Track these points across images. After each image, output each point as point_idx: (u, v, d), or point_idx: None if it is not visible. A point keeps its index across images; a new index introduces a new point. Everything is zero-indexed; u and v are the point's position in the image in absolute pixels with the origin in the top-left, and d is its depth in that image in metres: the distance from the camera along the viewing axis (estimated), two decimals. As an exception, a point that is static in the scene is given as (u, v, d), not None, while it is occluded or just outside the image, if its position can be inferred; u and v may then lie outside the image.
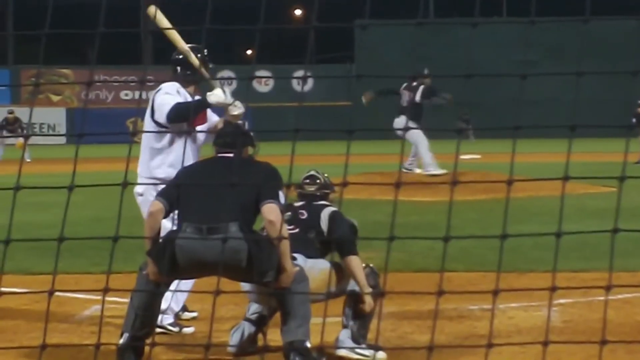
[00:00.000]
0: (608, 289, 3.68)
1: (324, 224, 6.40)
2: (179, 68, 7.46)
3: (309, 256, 6.23)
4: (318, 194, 6.63)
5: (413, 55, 48.49)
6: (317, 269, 6.19)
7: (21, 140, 32.10)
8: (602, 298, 7.78)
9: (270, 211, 5.68)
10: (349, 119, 45.60)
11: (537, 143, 34.50)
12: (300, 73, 52.96)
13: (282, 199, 5.84)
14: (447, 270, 8.99)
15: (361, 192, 16.92)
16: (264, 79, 55.99)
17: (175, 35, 7.35)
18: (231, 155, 6.10)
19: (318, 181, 6.70)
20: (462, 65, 45.33)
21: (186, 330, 7.15)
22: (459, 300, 7.82)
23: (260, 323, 6.36)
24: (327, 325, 4.45)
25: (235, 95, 7.21)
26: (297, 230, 6.34)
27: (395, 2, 56.42)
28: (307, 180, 6.70)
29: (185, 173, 6.28)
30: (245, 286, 6.20)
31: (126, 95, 55.86)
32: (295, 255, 6.00)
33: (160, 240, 5.78)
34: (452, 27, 49.89)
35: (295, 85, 54.95)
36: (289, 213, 6.35)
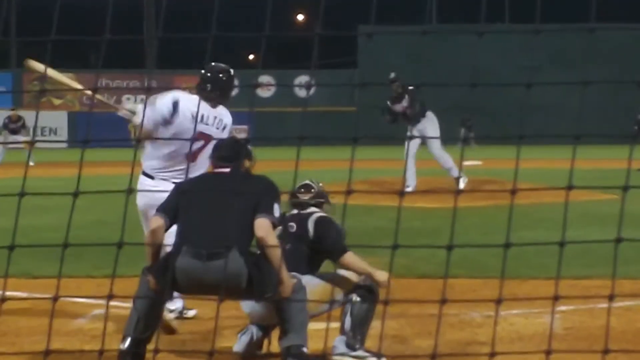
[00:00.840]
0: (611, 298, 3.68)
1: (311, 232, 6.37)
2: (208, 86, 7.52)
3: (303, 273, 6.20)
4: (312, 202, 6.60)
5: (416, 61, 48.46)
6: (312, 284, 6.18)
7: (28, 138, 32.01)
8: (603, 305, 7.78)
9: (259, 227, 5.67)
10: (353, 125, 45.57)
11: (540, 149, 34.43)
12: (302, 78, 52.92)
13: (277, 212, 5.81)
14: (449, 276, 8.98)
15: (364, 198, 16.91)
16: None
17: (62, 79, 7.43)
18: (227, 170, 6.07)
19: (313, 190, 6.67)
20: (466, 70, 45.38)
21: (190, 312, 7.57)
22: (460, 307, 7.81)
23: (268, 327, 6.36)
24: (323, 331, 4.45)
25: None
26: (288, 245, 6.28)
27: (398, 6, 56.41)
28: (302, 189, 6.67)
29: (184, 189, 6.15)
30: (246, 309, 6.23)
31: (128, 99, 55.80)
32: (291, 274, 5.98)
33: (161, 259, 5.78)
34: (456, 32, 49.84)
35: (297, 90, 54.92)
36: (279, 228, 6.23)
